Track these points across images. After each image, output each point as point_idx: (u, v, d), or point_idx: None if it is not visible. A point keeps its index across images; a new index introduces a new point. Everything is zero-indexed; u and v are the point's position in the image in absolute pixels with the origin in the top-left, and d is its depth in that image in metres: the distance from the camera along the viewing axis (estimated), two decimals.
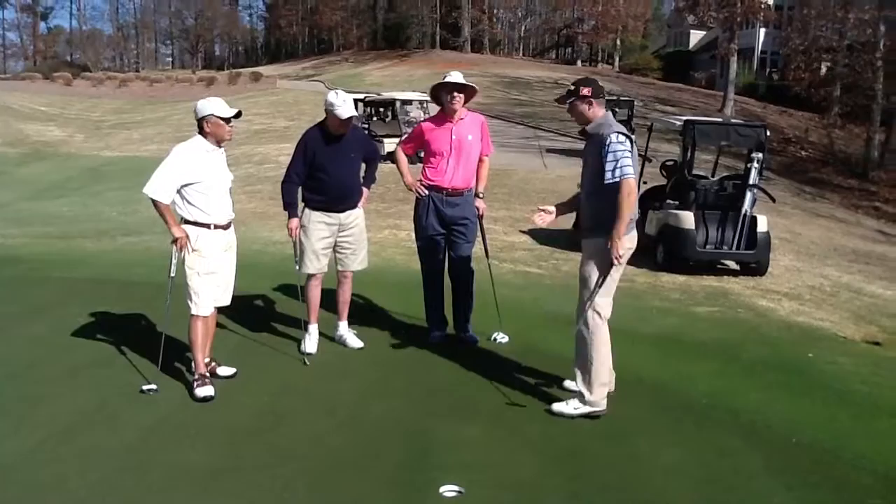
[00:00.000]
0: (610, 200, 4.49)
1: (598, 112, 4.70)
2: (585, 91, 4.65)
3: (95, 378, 5.17)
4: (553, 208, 4.92)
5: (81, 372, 5.28)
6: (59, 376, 5.17)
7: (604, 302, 4.61)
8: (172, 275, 4.95)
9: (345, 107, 5.39)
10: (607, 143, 4.48)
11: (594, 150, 4.62)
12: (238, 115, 4.93)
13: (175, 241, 4.83)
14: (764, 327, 7.20)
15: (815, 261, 11.64)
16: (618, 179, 4.45)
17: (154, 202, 4.75)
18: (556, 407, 4.71)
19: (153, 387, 4.87)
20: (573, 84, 4.80)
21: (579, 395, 4.66)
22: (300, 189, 5.66)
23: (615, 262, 4.49)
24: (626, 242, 4.57)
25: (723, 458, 4.21)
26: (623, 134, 4.53)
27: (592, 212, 4.66)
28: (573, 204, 5.16)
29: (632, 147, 4.54)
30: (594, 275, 4.60)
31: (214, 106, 4.83)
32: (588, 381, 4.61)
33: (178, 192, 4.81)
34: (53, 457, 4.00)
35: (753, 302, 8.26)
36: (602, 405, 4.64)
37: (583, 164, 4.88)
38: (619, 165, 4.45)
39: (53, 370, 5.29)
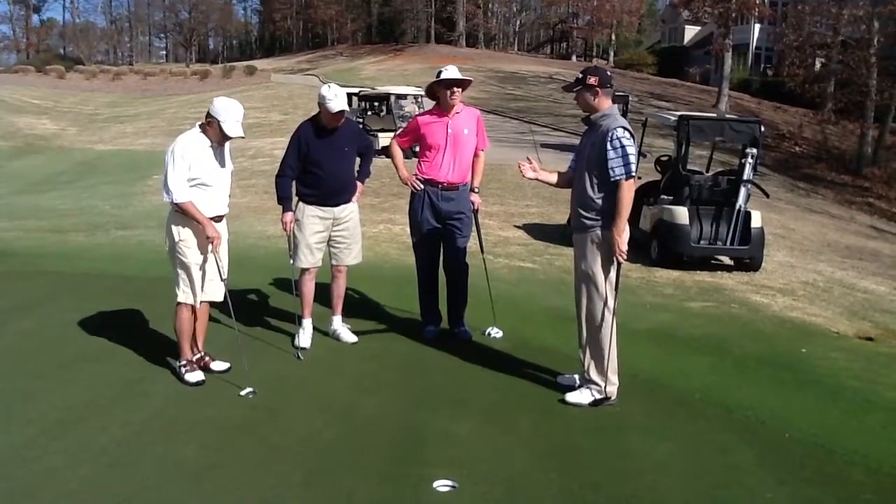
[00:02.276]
0: (610, 195, 4.53)
1: (603, 103, 4.68)
2: (592, 80, 4.64)
3: (87, 372, 5.15)
4: (538, 167, 4.90)
5: (73, 366, 5.25)
6: (50, 371, 5.15)
7: (612, 294, 4.67)
8: (224, 277, 4.98)
9: (336, 101, 5.38)
10: (612, 137, 4.49)
11: (594, 141, 4.62)
12: (241, 136, 4.89)
13: (210, 239, 4.81)
14: (757, 323, 7.21)
15: (808, 257, 11.66)
16: (620, 178, 4.48)
17: (180, 206, 4.72)
18: (571, 397, 4.76)
19: (250, 390, 4.80)
20: (581, 72, 4.79)
21: (595, 385, 4.72)
22: (294, 183, 5.65)
23: (619, 258, 4.58)
24: (626, 233, 4.64)
25: (715, 454, 4.21)
26: (628, 130, 4.54)
27: (589, 205, 4.64)
28: (556, 176, 5.07)
29: (633, 143, 4.57)
30: (599, 268, 4.64)
31: (227, 116, 4.77)
32: (603, 371, 4.70)
33: None
34: (44, 452, 3.97)
35: (747, 297, 8.28)
36: (615, 394, 4.76)
37: (577, 152, 4.88)
38: (623, 163, 4.48)
39: (45, 364, 5.26)
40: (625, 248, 4.57)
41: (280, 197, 5.62)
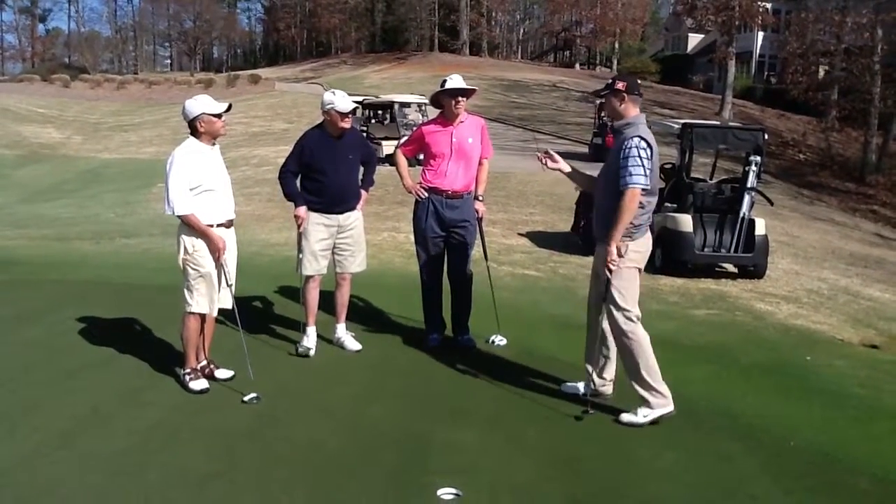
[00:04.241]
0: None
1: (629, 110, 4.60)
2: (619, 85, 4.58)
3: (92, 380, 5.16)
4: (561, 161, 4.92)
5: (77, 375, 5.26)
6: (54, 379, 5.16)
7: (633, 304, 4.56)
8: (231, 283, 5.00)
9: (343, 101, 5.42)
10: (627, 146, 4.42)
11: (615, 150, 4.57)
12: (228, 108, 4.90)
13: (214, 249, 4.83)
14: (762, 330, 7.19)
15: (812, 264, 11.65)
16: (624, 187, 4.39)
17: (183, 217, 4.74)
18: (626, 418, 4.57)
19: (254, 395, 4.81)
20: (612, 77, 4.72)
21: (645, 402, 4.55)
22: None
23: (607, 268, 4.47)
24: (640, 247, 4.57)
25: (720, 462, 4.20)
26: (644, 140, 4.43)
27: (607, 215, 4.53)
28: (578, 177, 5.10)
29: (652, 154, 4.44)
30: (620, 279, 4.52)
31: (203, 104, 4.79)
32: (648, 387, 4.53)
33: None
34: (49, 460, 3.98)
35: (751, 305, 8.26)
36: (669, 405, 4.56)
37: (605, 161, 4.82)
38: (629, 173, 4.39)
39: (49, 373, 5.27)
40: (615, 258, 4.46)
41: (287, 193, 5.65)
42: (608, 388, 4.89)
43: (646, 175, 4.40)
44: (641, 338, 4.56)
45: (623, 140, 4.48)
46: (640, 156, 4.39)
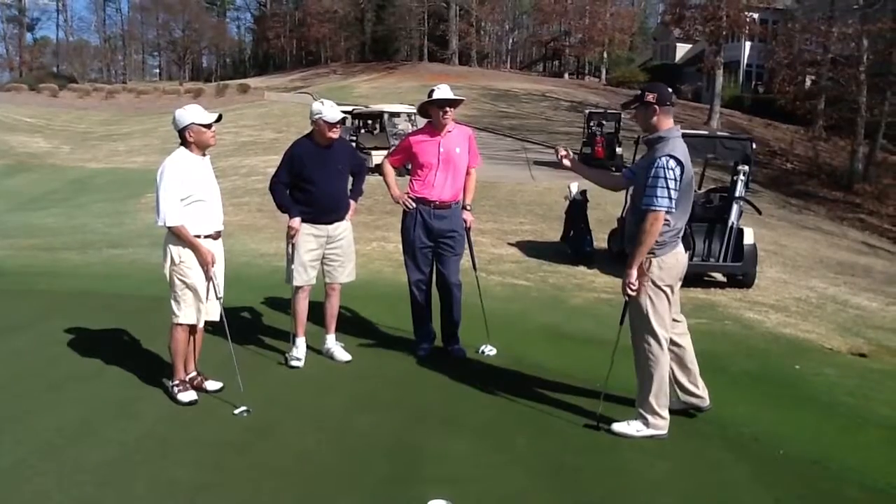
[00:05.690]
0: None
1: (662, 122, 4.39)
2: (650, 97, 4.36)
3: (79, 392, 5.12)
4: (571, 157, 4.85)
5: (64, 386, 5.22)
6: (41, 390, 5.12)
7: (660, 326, 4.45)
8: (220, 295, 4.98)
9: (331, 111, 5.41)
10: (656, 165, 4.23)
11: (644, 166, 4.39)
12: (218, 118, 4.89)
13: (203, 262, 4.81)
14: (751, 339, 7.21)
15: (801, 273, 11.69)
16: (646, 207, 4.24)
17: (173, 229, 4.72)
18: (618, 427, 4.55)
19: (244, 409, 4.78)
20: (640, 88, 4.53)
21: (642, 418, 4.53)
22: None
23: (625, 291, 4.40)
24: (665, 264, 4.40)
25: (710, 471, 4.20)
26: (675, 159, 4.23)
27: (634, 232, 4.40)
28: (599, 176, 5.03)
29: (682, 174, 4.25)
30: (643, 297, 4.41)
31: (193, 114, 4.78)
32: (652, 410, 4.49)
33: None
34: (35, 472, 3.94)
35: (740, 314, 8.28)
36: (664, 429, 4.52)
37: (634, 171, 4.73)
38: (653, 194, 4.22)
39: (36, 384, 5.23)
40: (634, 283, 4.35)
41: (279, 204, 5.63)
42: (704, 402, 4.80)
43: (670, 198, 4.23)
44: (662, 364, 4.47)
45: (654, 158, 4.30)
46: (667, 177, 4.21)
